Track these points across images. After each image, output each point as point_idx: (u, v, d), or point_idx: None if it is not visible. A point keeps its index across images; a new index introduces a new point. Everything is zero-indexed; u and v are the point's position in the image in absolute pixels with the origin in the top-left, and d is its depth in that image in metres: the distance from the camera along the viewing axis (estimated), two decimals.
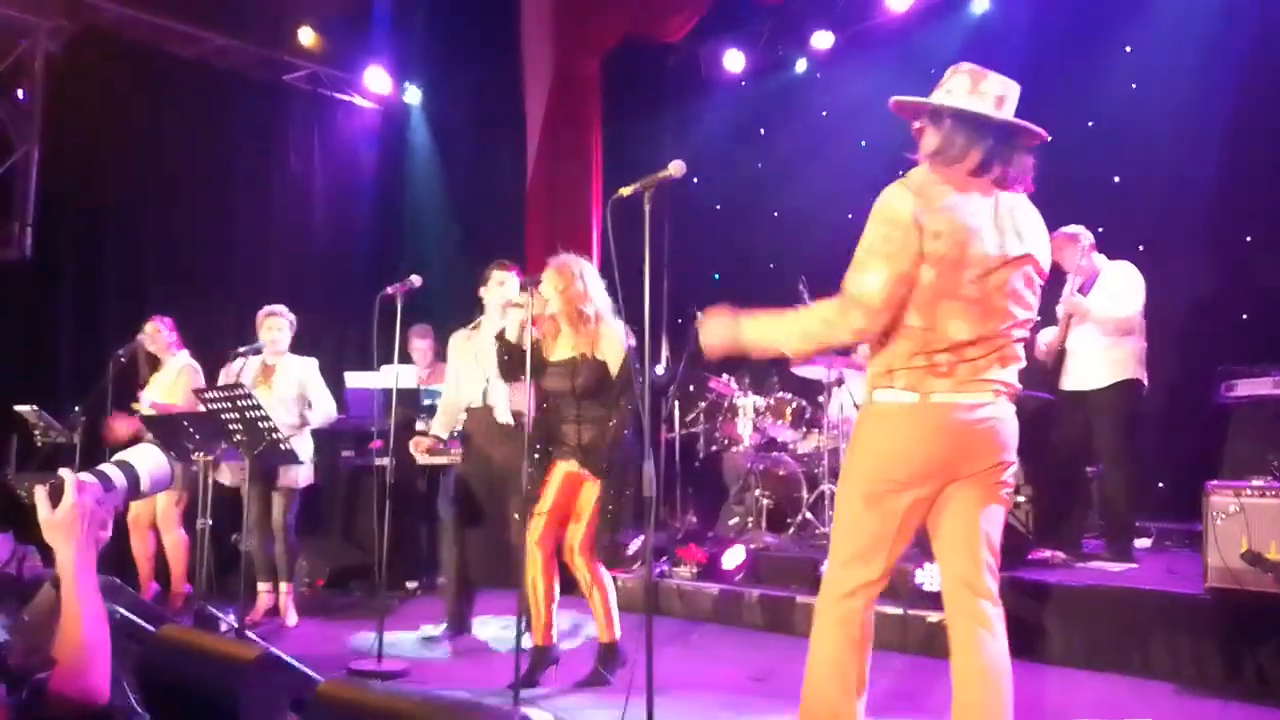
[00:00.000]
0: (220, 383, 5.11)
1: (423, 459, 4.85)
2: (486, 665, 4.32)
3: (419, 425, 5.65)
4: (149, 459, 1.88)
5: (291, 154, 7.92)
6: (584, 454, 3.87)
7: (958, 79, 2.47)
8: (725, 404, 6.25)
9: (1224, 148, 5.82)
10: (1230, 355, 5.44)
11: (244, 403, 4.26)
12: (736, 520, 5.86)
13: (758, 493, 5.86)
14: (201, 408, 4.47)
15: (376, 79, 8.07)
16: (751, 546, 5.42)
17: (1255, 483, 3.72)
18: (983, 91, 2.43)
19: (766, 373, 6.29)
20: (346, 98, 8.27)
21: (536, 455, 3.92)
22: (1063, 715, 3.48)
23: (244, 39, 7.38)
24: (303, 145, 8.00)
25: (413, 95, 8.41)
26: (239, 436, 4.33)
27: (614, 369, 3.86)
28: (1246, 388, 5.13)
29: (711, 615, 5.18)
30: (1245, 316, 5.70)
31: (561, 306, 3.91)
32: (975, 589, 2.44)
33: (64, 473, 1.73)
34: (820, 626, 2.50)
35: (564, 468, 3.94)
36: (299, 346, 5.52)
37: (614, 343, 3.88)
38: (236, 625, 4.34)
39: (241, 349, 5.08)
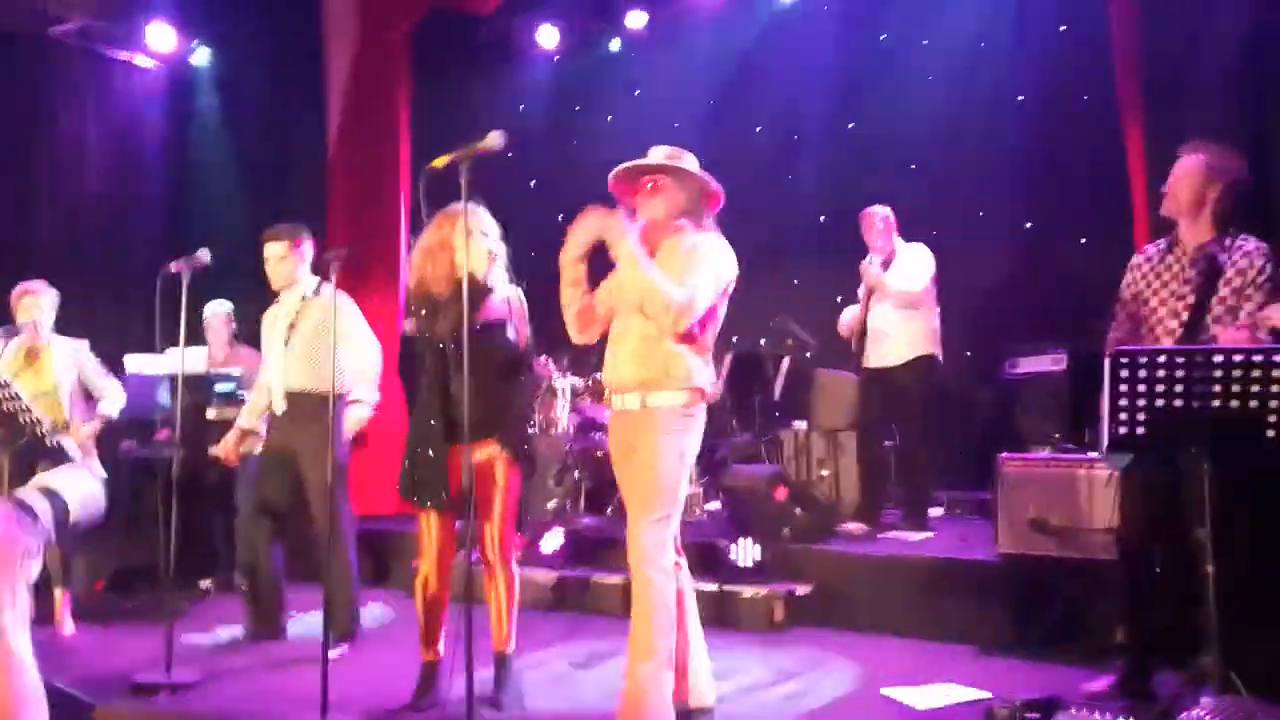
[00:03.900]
0: None
1: (217, 450, 4.49)
2: (290, 674, 3.93)
3: (210, 413, 5.25)
4: (80, 486, 1.43)
5: (61, 116, 7.15)
6: None
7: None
8: (544, 385, 6.14)
9: (1015, 139, 6.23)
10: (1015, 334, 5.83)
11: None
12: (555, 503, 5.78)
13: (576, 475, 5.79)
14: None
15: (160, 36, 7.40)
16: (570, 529, 5.36)
17: (1042, 454, 3.99)
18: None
19: (586, 355, 6.21)
20: (125, 55, 7.54)
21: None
22: (873, 683, 3.61)
23: None
24: (74, 106, 7.22)
25: (201, 56, 7.78)
26: None
27: None
28: (1028, 365, 5.52)
29: (531, 600, 5.06)
30: (1027, 298, 6.11)
31: None
32: None
33: None
34: None
35: None
36: (71, 328, 4.98)
37: None
38: None
39: None
